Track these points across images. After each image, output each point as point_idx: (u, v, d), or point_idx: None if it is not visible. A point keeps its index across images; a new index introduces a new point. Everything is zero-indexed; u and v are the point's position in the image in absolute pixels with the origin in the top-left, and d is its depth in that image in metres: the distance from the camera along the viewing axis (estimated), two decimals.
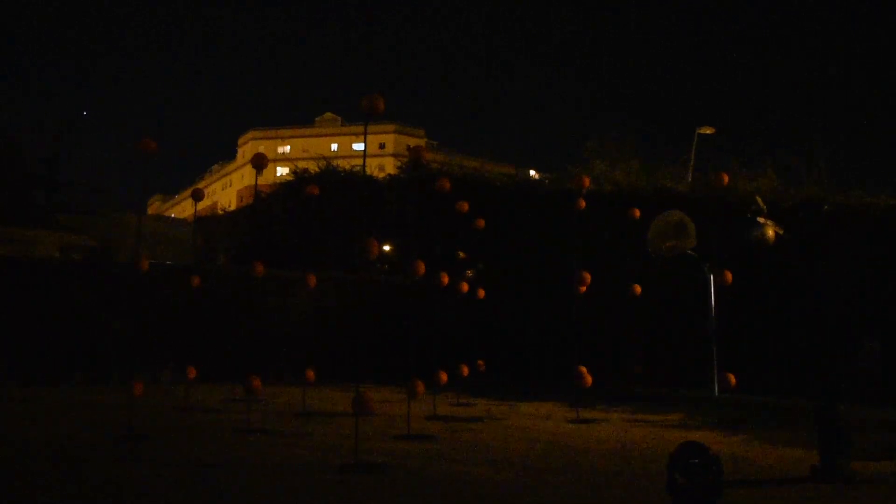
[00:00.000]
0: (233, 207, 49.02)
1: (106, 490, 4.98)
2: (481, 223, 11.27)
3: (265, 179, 18.48)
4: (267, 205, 18.63)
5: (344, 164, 18.64)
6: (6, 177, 23.66)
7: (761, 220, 10.52)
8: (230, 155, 79.72)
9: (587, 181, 9.87)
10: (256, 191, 11.22)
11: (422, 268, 7.83)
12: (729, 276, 9.52)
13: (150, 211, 71.18)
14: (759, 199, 10.88)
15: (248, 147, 72.93)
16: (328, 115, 76.02)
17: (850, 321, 11.38)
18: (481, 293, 11.06)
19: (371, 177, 18.50)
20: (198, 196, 10.48)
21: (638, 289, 10.64)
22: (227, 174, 79.02)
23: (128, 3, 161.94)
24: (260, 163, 8.74)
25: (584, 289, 9.40)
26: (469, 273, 12.88)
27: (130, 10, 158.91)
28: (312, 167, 18.41)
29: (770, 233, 10.48)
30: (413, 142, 56.54)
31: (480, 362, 10.63)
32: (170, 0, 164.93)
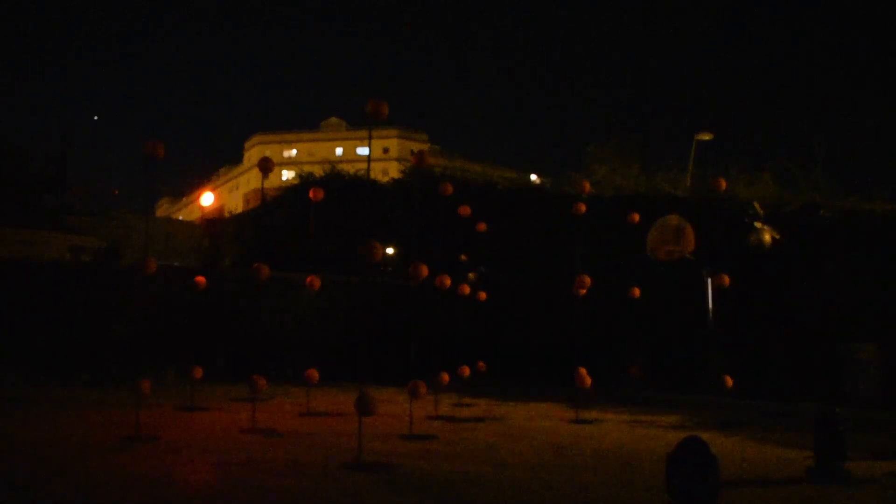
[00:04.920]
0: (239, 210, 49.27)
1: (112, 490, 5.07)
2: (482, 226, 11.40)
3: (271, 183, 18.65)
4: (272, 208, 18.78)
5: (349, 167, 18.79)
6: (14, 179, 23.83)
7: (759, 224, 10.66)
8: (237, 159, 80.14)
9: (587, 186, 10.00)
10: (262, 194, 11.38)
11: (424, 270, 7.94)
12: (727, 279, 9.61)
13: (158, 213, 71.45)
14: (756, 205, 11.03)
15: (254, 151, 73.17)
16: (333, 119, 76.28)
17: (848, 326, 11.45)
18: (482, 295, 11.17)
19: (375, 181, 18.63)
20: (204, 199, 10.64)
21: (637, 292, 10.75)
22: (233, 178, 79.30)
23: (135, 8, 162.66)
24: (266, 167, 8.89)
25: (583, 291, 9.52)
26: (471, 276, 13.00)
27: (138, 15, 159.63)
28: (318, 171, 18.56)
29: (767, 237, 10.61)
30: (416, 146, 56.62)
31: (481, 363, 10.74)
32: (177, 5, 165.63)
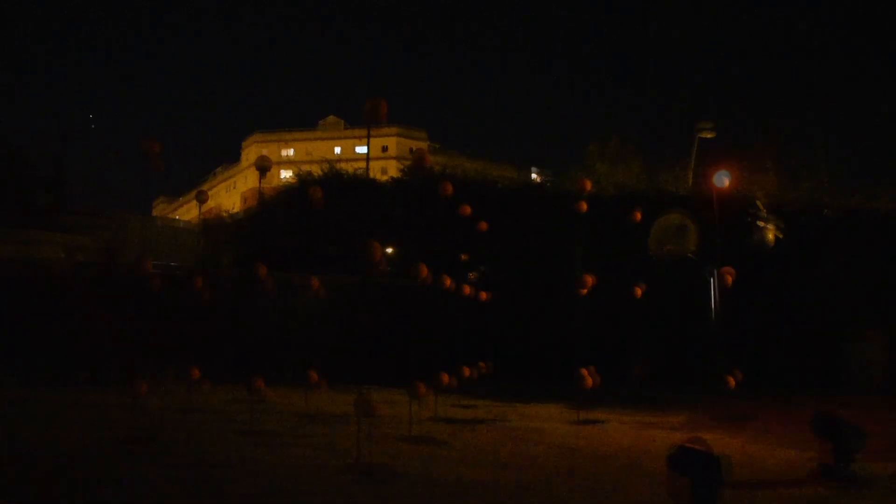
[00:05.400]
0: (237, 210, 49.18)
1: (113, 492, 5.01)
2: (483, 225, 11.33)
3: (269, 182, 18.57)
4: (270, 207, 18.68)
5: (347, 167, 18.70)
6: (10, 179, 23.76)
7: (762, 223, 10.60)
8: (234, 158, 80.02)
9: (588, 184, 9.93)
10: (260, 193, 11.30)
11: (424, 270, 7.88)
12: (730, 279, 9.55)
13: (154, 212, 71.37)
14: (759, 203, 10.97)
15: (251, 150, 73.09)
16: (331, 118, 76.21)
17: (852, 324, 11.41)
18: (483, 295, 11.10)
19: (374, 180, 18.54)
20: (202, 198, 10.56)
21: (639, 291, 10.68)
22: (230, 177, 79.19)
23: (134, 7, 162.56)
24: (263, 166, 8.81)
25: (585, 291, 9.45)
26: (472, 276, 12.93)
27: (136, 14, 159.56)
28: (316, 170, 18.47)
29: (771, 236, 10.55)
30: (415, 144, 56.60)
31: (482, 364, 10.68)
32: (176, 4, 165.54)
